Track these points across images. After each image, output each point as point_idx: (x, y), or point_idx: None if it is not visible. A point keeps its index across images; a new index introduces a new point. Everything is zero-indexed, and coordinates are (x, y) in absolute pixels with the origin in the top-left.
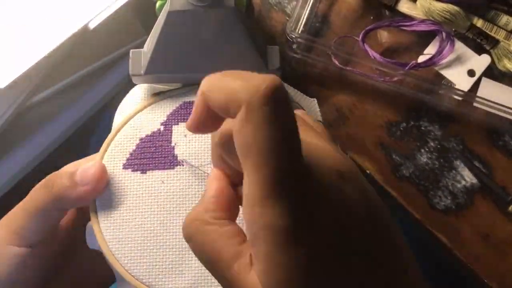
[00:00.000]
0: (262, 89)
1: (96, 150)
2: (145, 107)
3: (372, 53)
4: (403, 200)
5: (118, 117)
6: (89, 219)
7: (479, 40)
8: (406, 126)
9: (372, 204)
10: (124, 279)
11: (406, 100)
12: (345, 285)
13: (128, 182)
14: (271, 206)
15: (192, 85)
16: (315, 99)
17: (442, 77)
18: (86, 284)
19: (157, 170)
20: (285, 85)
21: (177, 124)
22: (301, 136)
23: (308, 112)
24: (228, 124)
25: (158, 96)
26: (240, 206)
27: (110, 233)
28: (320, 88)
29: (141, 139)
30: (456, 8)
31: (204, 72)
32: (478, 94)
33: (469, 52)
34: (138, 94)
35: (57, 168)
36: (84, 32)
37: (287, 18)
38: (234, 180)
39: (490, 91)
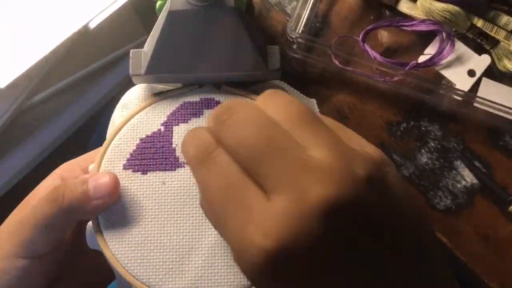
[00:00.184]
0: None
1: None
2: (145, 107)
3: (372, 53)
4: None
5: (118, 117)
6: (89, 220)
7: (479, 40)
8: (406, 126)
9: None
10: (124, 279)
11: (406, 100)
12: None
13: (129, 182)
14: None
15: (192, 85)
16: (314, 99)
17: (442, 77)
18: (86, 284)
19: (158, 171)
20: (285, 85)
21: (178, 125)
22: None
23: None
24: None
25: (158, 96)
26: None
27: (110, 234)
28: (320, 88)
29: (141, 140)
30: (456, 8)
31: (204, 72)
32: (478, 94)
33: (469, 52)
34: (138, 94)
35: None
36: (84, 32)
37: (287, 18)
38: None
39: (490, 91)
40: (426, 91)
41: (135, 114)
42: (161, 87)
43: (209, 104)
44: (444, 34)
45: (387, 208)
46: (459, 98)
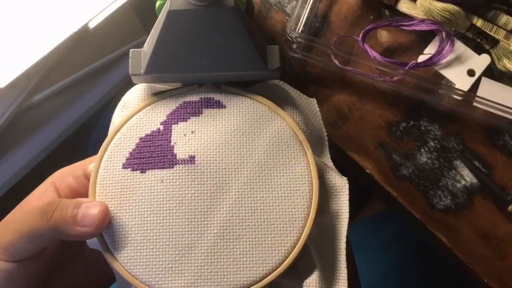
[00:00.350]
0: None
1: (96, 149)
2: (145, 106)
3: (372, 52)
4: (403, 200)
5: (118, 117)
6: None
7: (479, 40)
8: (406, 126)
9: None
10: (124, 278)
11: (406, 100)
12: None
13: (128, 181)
14: None
15: (192, 85)
16: (314, 99)
17: (442, 77)
18: (86, 284)
19: (156, 170)
20: (285, 84)
21: (177, 123)
22: None
23: (307, 112)
24: None
25: (158, 96)
26: None
27: (109, 233)
28: (320, 88)
29: (141, 139)
30: (456, 7)
31: (204, 72)
32: (478, 93)
33: (469, 51)
34: (138, 93)
35: (57, 167)
36: (84, 32)
37: (287, 17)
38: None
39: (490, 90)
40: (425, 91)
41: (135, 114)
42: (161, 86)
43: (209, 103)
44: (443, 34)
45: None
46: (459, 98)
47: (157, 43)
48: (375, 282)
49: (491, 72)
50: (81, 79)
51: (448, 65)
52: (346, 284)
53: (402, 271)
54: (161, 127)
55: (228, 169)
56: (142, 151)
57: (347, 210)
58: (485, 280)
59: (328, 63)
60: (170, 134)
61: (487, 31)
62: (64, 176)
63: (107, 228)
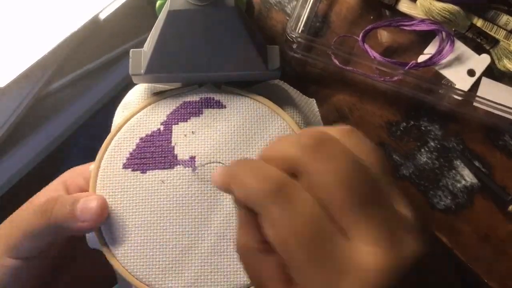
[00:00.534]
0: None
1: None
2: (145, 106)
3: (372, 52)
4: None
5: (119, 117)
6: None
7: (479, 40)
8: (406, 126)
9: None
10: (124, 278)
11: (406, 100)
12: None
13: (128, 182)
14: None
15: (192, 85)
16: (314, 99)
17: (442, 77)
18: (87, 284)
19: (157, 170)
20: (285, 84)
21: (177, 124)
22: None
23: (307, 112)
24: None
25: (158, 96)
26: None
27: (110, 233)
28: (320, 88)
29: (141, 139)
30: (456, 7)
31: (204, 72)
32: (478, 93)
33: (469, 51)
34: (138, 93)
35: (71, 159)
36: (95, 23)
37: (287, 17)
38: None
39: (490, 90)
40: (425, 91)
41: (135, 114)
42: (161, 86)
43: (209, 103)
44: (443, 34)
45: None
46: (459, 98)
47: (157, 43)
48: None
49: (491, 72)
50: (94, 70)
51: (448, 65)
52: None
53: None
54: (162, 127)
55: None
56: (142, 151)
57: None
58: (485, 280)
59: (328, 63)
60: (171, 135)
61: (487, 31)
62: (75, 176)
63: (107, 228)
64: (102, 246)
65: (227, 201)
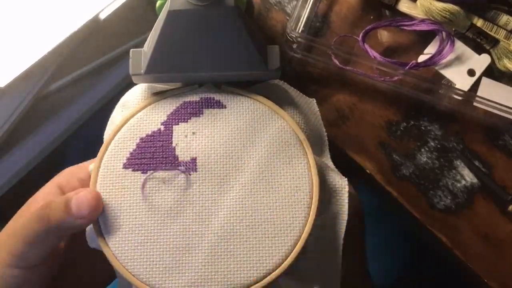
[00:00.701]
0: None
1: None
2: (145, 106)
3: (372, 52)
4: (403, 200)
5: (117, 117)
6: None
7: (479, 40)
8: (406, 126)
9: None
10: (125, 278)
11: (406, 100)
12: None
13: (129, 182)
14: None
15: (192, 85)
16: (314, 99)
17: (442, 77)
18: (87, 283)
19: (158, 171)
20: (285, 84)
21: (178, 124)
22: None
23: (307, 112)
24: None
25: (158, 95)
26: None
27: (110, 232)
28: (320, 87)
29: (141, 139)
30: (456, 7)
31: (204, 72)
32: (478, 93)
33: (469, 51)
34: (138, 93)
35: (70, 160)
36: (95, 22)
37: (287, 17)
38: None
39: (490, 90)
40: (426, 91)
41: (135, 114)
42: (161, 86)
43: (209, 103)
44: (443, 34)
45: None
46: (459, 98)
47: (157, 43)
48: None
49: (491, 72)
50: (94, 70)
51: (448, 65)
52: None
53: (401, 271)
54: (162, 128)
55: (228, 170)
56: (143, 151)
57: (347, 211)
58: (485, 280)
59: (328, 63)
60: (171, 135)
61: (487, 31)
62: (70, 177)
63: (108, 228)
64: (102, 246)
65: (227, 201)
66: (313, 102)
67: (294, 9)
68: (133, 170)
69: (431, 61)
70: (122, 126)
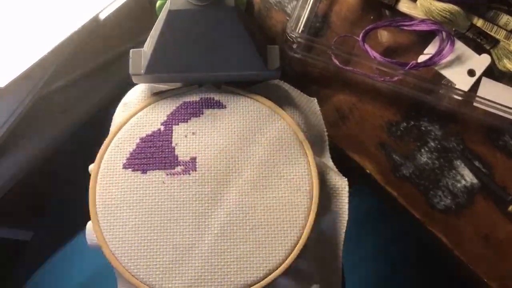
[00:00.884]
0: None
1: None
2: (145, 106)
3: (372, 53)
4: (403, 200)
5: (118, 116)
6: (89, 219)
7: (479, 40)
8: (406, 126)
9: None
10: (124, 277)
11: (406, 100)
12: None
13: (129, 182)
14: None
15: (192, 85)
16: (315, 98)
17: (442, 77)
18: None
19: (158, 170)
20: (285, 84)
21: (177, 124)
22: None
23: (308, 112)
24: None
25: (158, 95)
26: None
27: (110, 233)
28: (320, 87)
29: (141, 139)
30: (456, 7)
31: (204, 72)
32: (478, 93)
33: (469, 52)
34: (138, 93)
35: (70, 160)
36: (95, 23)
37: (287, 17)
38: None
39: (490, 90)
40: (426, 91)
41: (135, 114)
42: (161, 86)
43: (209, 103)
44: (444, 34)
45: None
46: (459, 98)
47: (157, 43)
48: (373, 282)
49: (491, 72)
50: (94, 70)
51: (448, 65)
52: (340, 283)
53: (401, 271)
54: (162, 128)
55: (228, 170)
56: (143, 151)
57: (347, 210)
58: (485, 280)
59: (329, 63)
60: (171, 135)
61: (487, 31)
62: None
63: (108, 228)
64: (102, 245)
65: (227, 201)
66: (314, 101)
67: (294, 9)
68: (133, 170)
69: (431, 61)
70: (122, 126)
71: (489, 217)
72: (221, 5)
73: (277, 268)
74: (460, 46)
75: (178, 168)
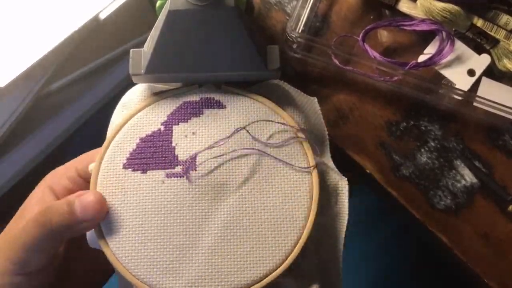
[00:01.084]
0: None
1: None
2: (145, 106)
3: (372, 52)
4: (403, 200)
5: (118, 117)
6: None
7: (479, 40)
8: (406, 126)
9: None
10: (125, 278)
11: (406, 100)
12: None
13: (128, 182)
14: None
15: (192, 85)
16: (315, 98)
17: (442, 77)
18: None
19: (157, 170)
20: (285, 84)
21: (177, 124)
22: None
23: (308, 111)
24: None
25: (158, 95)
26: None
27: (110, 232)
28: (320, 87)
29: (141, 139)
30: (456, 7)
31: (204, 72)
32: (478, 93)
33: (469, 51)
34: (138, 93)
35: (70, 160)
36: (95, 22)
37: (287, 17)
38: None
39: (490, 90)
40: (426, 91)
41: (135, 114)
42: (161, 86)
43: (209, 103)
44: (444, 34)
45: None
46: (459, 98)
47: (157, 43)
48: (373, 282)
49: (491, 72)
50: (94, 70)
51: (448, 65)
52: (341, 283)
53: (401, 271)
54: (162, 128)
55: (228, 170)
56: (143, 151)
57: (347, 210)
58: (485, 280)
59: (329, 63)
60: (171, 135)
61: (487, 31)
62: (59, 178)
63: (108, 228)
64: (103, 246)
65: (227, 201)
66: (314, 101)
67: (294, 9)
68: (132, 170)
69: (431, 61)
70: (122, 126)
71: (489, 216)
72: (221, 5)
73: (277, 268)
74: (460, 46)
75: (178, 168)
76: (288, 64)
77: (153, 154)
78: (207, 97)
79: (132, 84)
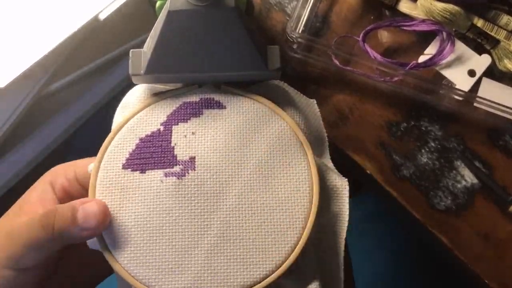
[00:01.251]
0: None
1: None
2: (145, 107)
3: (372, 53)
4: (403, 200)
5: (118, 117)
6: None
7: (479, 40)
8: (406, 126)
9: None
10: (124, 279)
11: (407, 100)
12: None
13: (128, 182)
14: None
15: (192, 85)
16: (314, 100)
17: (443, 77)
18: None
19: (156, 169)
20: (285, 85)
21: (177, 124)
22: None
23: (308, 113)
24: None
25: (158, 96)
26: None
27: (109, 234)
28: (320, 88)
29: (141, 139)
30: (456, 8)
31: (204, 73)
32: (479, 94)
33: (469, 52)
34: (138, 93)
35: (70, 160)
36: (95, 23)
37: (287, 18)
38: None
39: (491, 91)
40: (426, 91)
41: (135, 114)
42: (161, 87)
43: (209, 104)
44: (444, 34)
45: None
46: (459, 98)
47: (157, 43)
48: (373, 282)
49: (492, 73)
50: (94, 70)
51: (449, 65)
52: (342, 284)
53: (401, 271)
54: (161, 128)
55: (228, 170)
56: (142, 151)
57: (347, 211)
58: (486, 281)
59: (329, 63)
60: (171, 135)
61: (487, 32)
62: (58, 175)
63: (107, 229)
64: (101, 246)
65: (227, 201)
66: (313, 102)
67: (294, 9)
68: (132, 170)
69: (432, 61)
70: (121, 126)
71: (490, 217)
72: (221, 5)
73: (277, 269)
74: (460, 46)
75: (177, 168)
76: (288, 64)
77: (152, 154)
78: (207, 98)
79: (132, 84)
